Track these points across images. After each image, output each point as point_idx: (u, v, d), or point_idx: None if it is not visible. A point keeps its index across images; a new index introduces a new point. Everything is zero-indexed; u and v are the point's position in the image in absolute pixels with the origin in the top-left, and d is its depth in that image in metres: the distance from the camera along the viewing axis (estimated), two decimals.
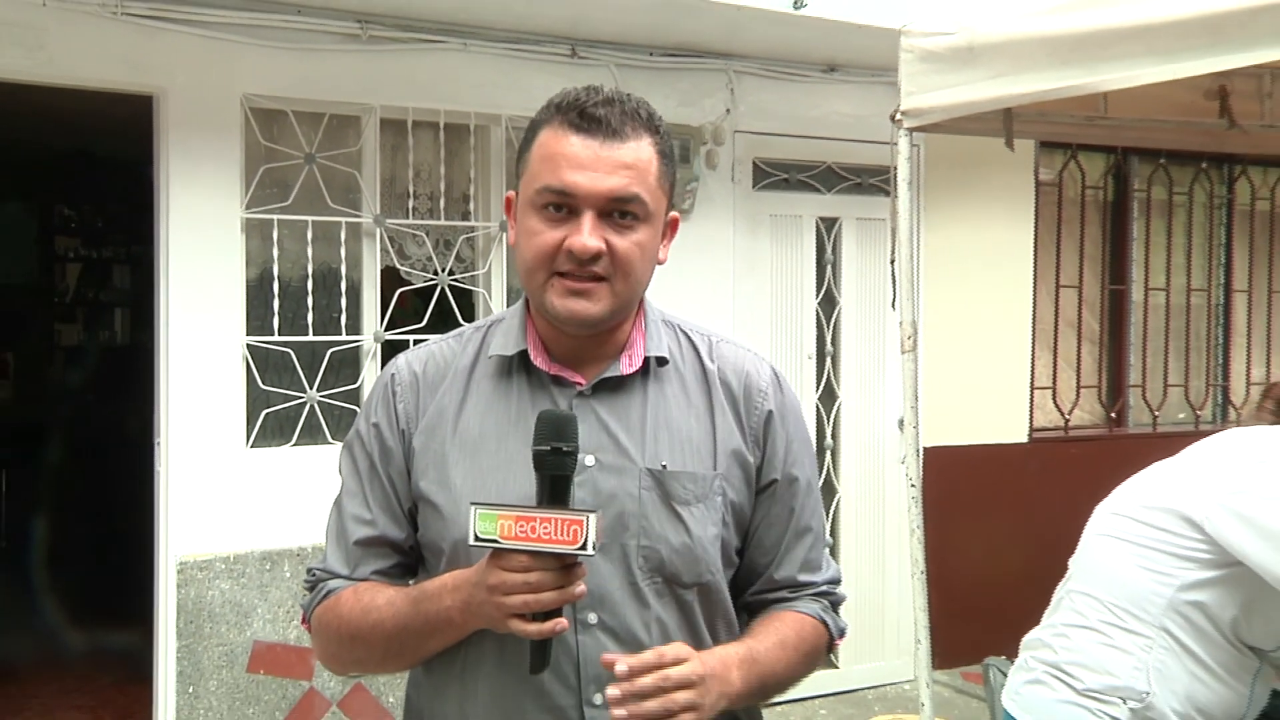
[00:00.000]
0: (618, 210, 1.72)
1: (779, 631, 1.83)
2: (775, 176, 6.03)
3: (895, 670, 6.18)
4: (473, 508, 1.58)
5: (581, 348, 1.80)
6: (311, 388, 4.98)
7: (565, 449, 1.59)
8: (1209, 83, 4.58)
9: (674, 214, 1.83)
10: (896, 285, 4.31)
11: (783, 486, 1.86)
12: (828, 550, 1.96)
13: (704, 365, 1.86)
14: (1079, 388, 7.00)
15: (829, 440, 6.21)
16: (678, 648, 1.63)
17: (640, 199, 1.72)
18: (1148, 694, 2.51)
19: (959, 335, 6.41)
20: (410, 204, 5.20)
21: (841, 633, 1.93)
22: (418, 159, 5.20)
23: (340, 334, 5.04)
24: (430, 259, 5.22)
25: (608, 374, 1.79)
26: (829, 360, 6.21)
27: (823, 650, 1.90)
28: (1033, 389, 6.76)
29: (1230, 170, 7.44)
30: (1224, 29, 3.27)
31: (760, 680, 1.76)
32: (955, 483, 6.33)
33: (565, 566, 1.57)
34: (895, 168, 4.25)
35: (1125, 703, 2.52)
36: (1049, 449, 6.69)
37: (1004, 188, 6.55)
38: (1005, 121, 4.34)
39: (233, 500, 4.80)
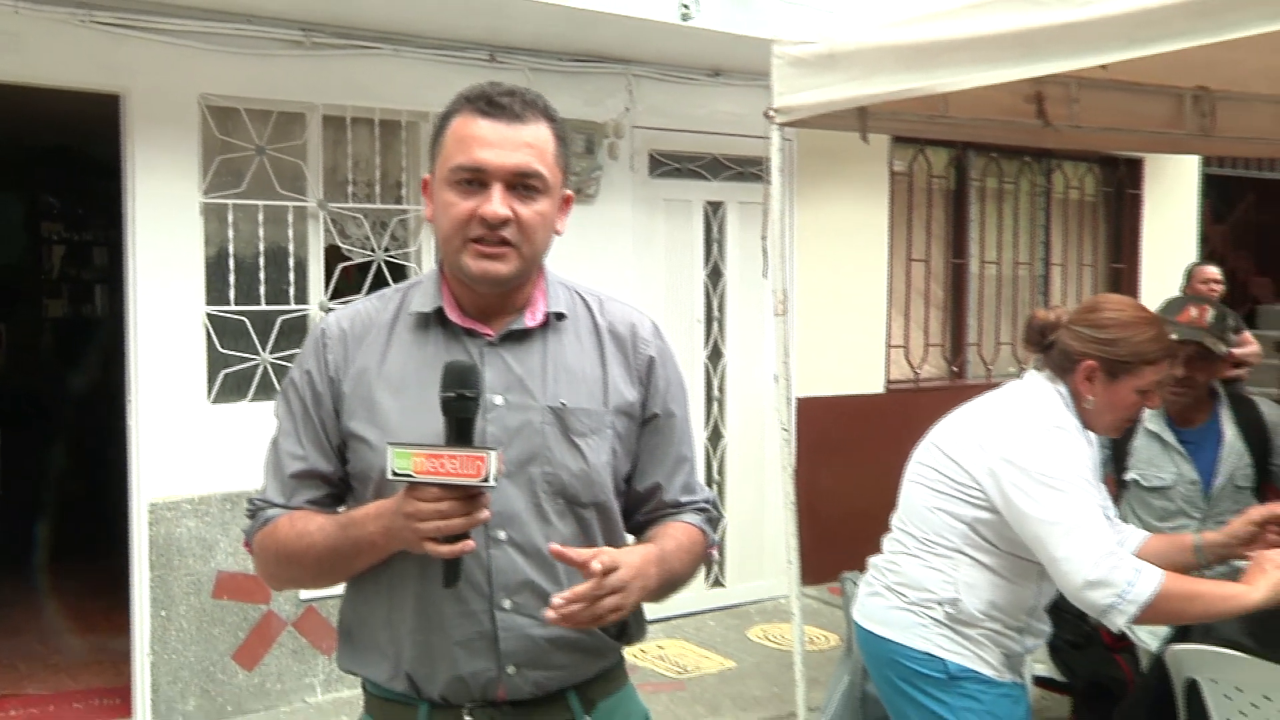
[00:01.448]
0: (522, 183, 1.71)
1: (676, 538, 1.84)
2: (668, 166, 6.02)
3: (772, 587, 6.22)
4: (389, 447, 1.58)
5: (490, 304, 1.79)
6: (265, 351, 4.90)
7: (468, 395, 1.59)
8: (1027, 89, 4.66)
9: (568, 192, 1.82)
10: (768, 258, 4.35)
11: (663, 420, 1.88)
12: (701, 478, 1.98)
13: (595, 320, 1.86)
14: (927, 346, 7.11)
15: (716, 393, 6.24)
16: (612, 556, 1.63)
17: (540, 174, 1.72)
18: (958, 600, 2.60)
19: (827, 302, 6.46)
20: (350, 190, 5.11)
21: (714, 544, 1.94)
22: (356, 151, 5.12)
23: (290, 304, 4.96)
24: (368, 238, 5.14)
25: (514, 326, 1.79)
26: (715, 324, 6.23)
27: (703, 556, 1.91)
28: (888, 347, 6.84)
29: (1048, 164, 7.57)
30: (1036, 43, 3.33)
31: (669, 576, 1.79)
32: (823, 428, 6.40)
33: (470, 496, 1.57)
34: (769, 158, 4.28)
35: (941, 606, 2.62)
36: (902, 398, 6.77)
37: (864, 177, 6.61)
38: (860, 118, 4.37)
39: (197, 449, 4.72)
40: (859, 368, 6.68)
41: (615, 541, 1.83)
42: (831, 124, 4.42)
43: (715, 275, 6.21)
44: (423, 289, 1.83)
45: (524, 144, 1.71)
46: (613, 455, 1.80)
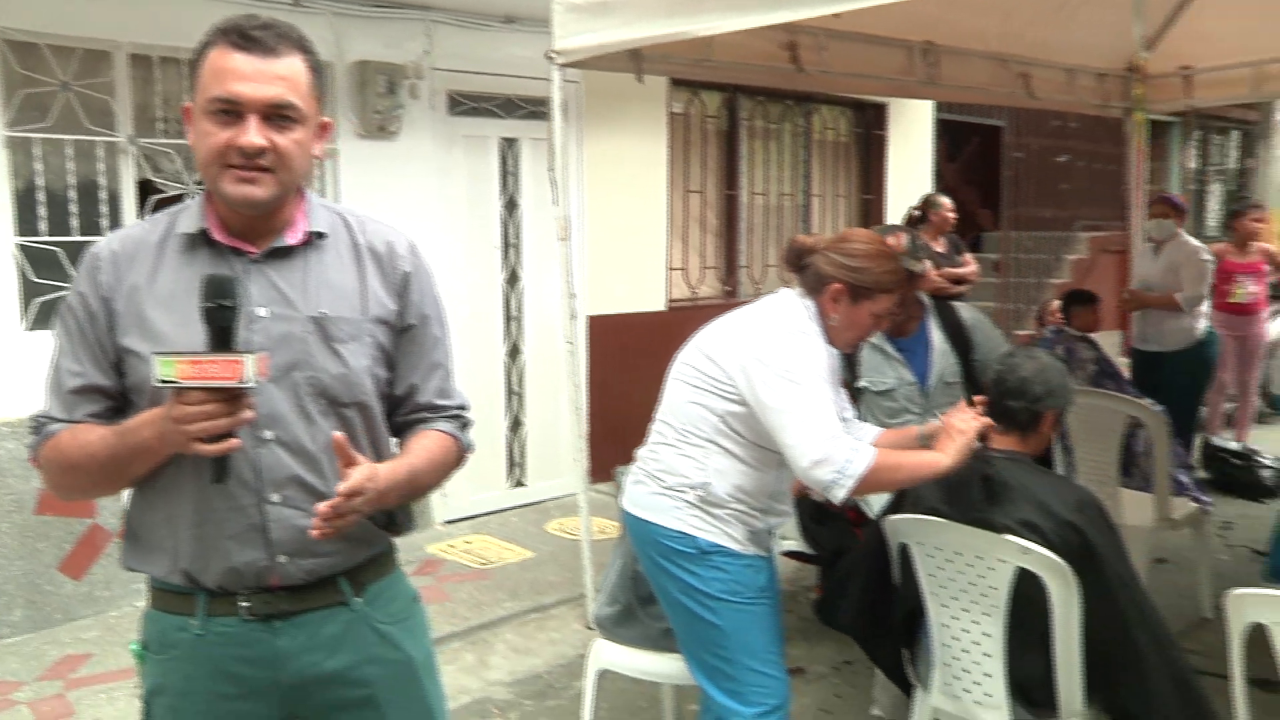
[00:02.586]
0: (277, 114, 1.65)
1: (430, 450, 1.82)
2: (466, 105, 5.89)
3: (568, 485, 6.20)
4: (155, 356, 1.52)
5: (253, 225, 1.72)
6: None
7: (226, 304, 1.54)
8: (783, 37, 4.75)
9: (325, 119, 1.76)
10: (555, 189, 4.34)
11: (419, 330, 1.84)
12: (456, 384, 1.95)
13: (355, 238, 1.81)
14: (704, 268, 7.22)
15: (514, 313, 6.20)
16: (365, 476, 1.61)
17: (295, 105, 1.66)
18: (708, 484, 2.67)
19: (614, 228, 6.48)
20: (161, 127, 4.82)
21: (470, 447, 1.92)
22: (165, 89, 4.81)
23: (103, 235, 4.62)
24: (180, 172, 4.87)
25: (276, 245, 1.73)
26: (512, 250, 6.16)
27: (456, 461, 1.89)
28: (669, 270, 6.93)
29: (808, 108, 7.73)
30: None
31: (415, 490, 1.78)
32: (612, 342, 6.45)
33: (233, 398, 1.53)
34: (551, 97, 4.24)
35: (693, 490, 2.68)
36: (682, 315, 6.83)
37: (646, 116, 6.62)
38: (634, 60, 4.38)
39: (13, 374, 4.41)
40: (643, 288, 6.75)
41: (378, 438, 1.81)
42: (609, 65, 4.41)
43: (511, 206, 6.13)
44: (189, 212, 1.76)
45: (277, 77, 1.64)
46: (372, 361, 1.78)
